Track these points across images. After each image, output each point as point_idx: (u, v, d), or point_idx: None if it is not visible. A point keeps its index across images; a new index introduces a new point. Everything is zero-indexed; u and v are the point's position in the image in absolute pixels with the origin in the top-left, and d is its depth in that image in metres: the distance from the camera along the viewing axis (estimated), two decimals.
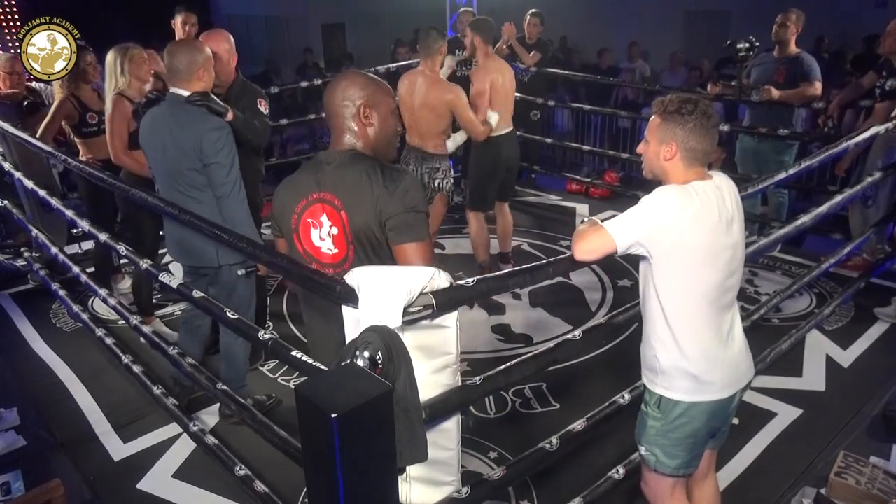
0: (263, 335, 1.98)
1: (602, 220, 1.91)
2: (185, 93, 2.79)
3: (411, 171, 3.95)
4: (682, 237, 1.79)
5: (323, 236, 1.83)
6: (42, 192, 3.55)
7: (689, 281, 1.85)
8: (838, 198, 3.02)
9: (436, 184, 4.06)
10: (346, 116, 1.84)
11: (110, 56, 3.46)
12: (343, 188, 1.79)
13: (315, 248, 1.86)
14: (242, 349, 3.10)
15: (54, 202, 3.43)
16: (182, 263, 3.02)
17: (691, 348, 1.90)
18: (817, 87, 4.49)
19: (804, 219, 2.79)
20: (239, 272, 2.90)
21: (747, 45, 4.64)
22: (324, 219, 1.82)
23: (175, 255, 3.00)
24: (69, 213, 3.22)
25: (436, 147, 4.01)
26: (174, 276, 2.48)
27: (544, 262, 1.99)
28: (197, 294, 2.28)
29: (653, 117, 1.91)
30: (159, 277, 2.44)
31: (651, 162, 1.93)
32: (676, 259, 1.83)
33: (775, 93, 4.52)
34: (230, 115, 2.87)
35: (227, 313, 2.13)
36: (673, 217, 1.79)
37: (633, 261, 1.91)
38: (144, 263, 2.56)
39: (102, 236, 2.85)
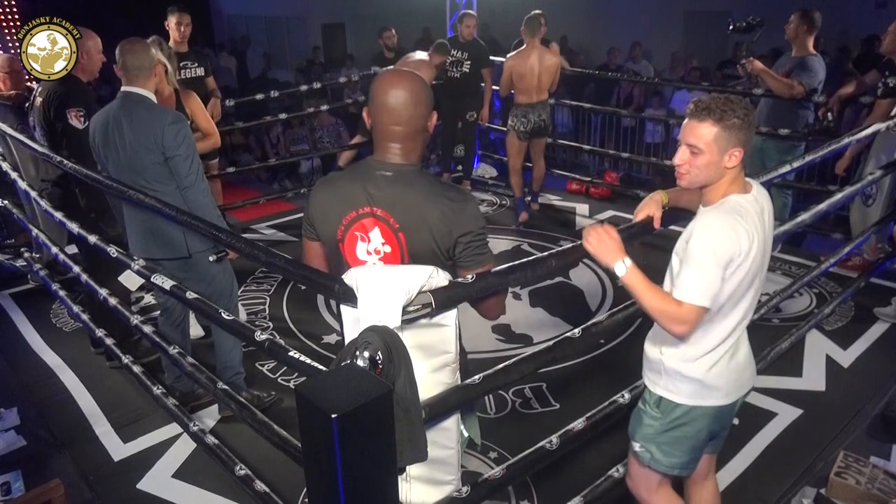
0: (260, 336, 1.98)
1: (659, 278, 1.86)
2: (141, 90, 2.86)
3: (525, 122, 5.41)
4: (744, 265, 1.78)
5: (370, 250, 1.74)
6: (33, 194, 3.55)
7: (734, 301, 1.83)
8: (838, 195, 3.02)
9: (548, 121, 5.55)
10: (413, 126, 1.72)
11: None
12: (402, 209, 1.70)
13: (360, 262, 1.76)
14: (232, 338, 3.11)
15: (44, 204, 3.43)
16: (147, 258, 2.91)
17: (704, 356, 1.88)
18: (795, 86, 4.47)
19: (804, 216, 2.79)
20: (210, 258, 2.92)
21: (755, 19, 4.66)
22: (374, 234, 1.73)
23: (139, 249, 2.97)
24: (58, 215, 3.21)
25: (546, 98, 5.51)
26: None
27: (545, 254, 1.96)
28: (191, 295, 2.28)
29: (700, 125, 1.75)
30: (152, 279, 2.44)
31: (703, 172, 1.79)
32: (732, 283, 1.79)
33: (757, 64, 4.58)
34: None
35: (223, 314, 2.13)
36: (741, 253, 1.75)
37: (634, 261, 1.89)
38: (136, 264, 2.56)
39: (92, 238, 2.85)
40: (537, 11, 5.79)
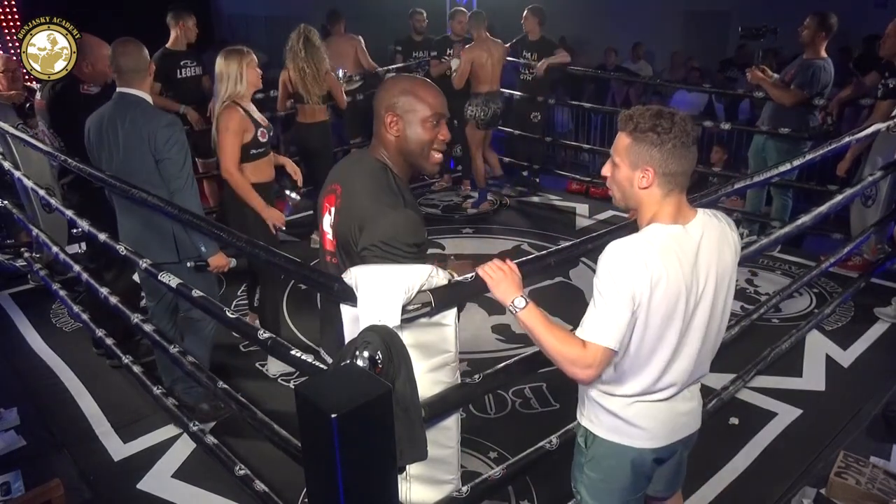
0: (263, 334, 1.98)
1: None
2: (136, 91, 2.84)
3: (486, 110, 5.59)
4: (648, 304, 1.56)
5: (331, 224, 1.86)
6: (42, 192, 3.55)
7: (650, 348, 1.61)
8: (839, 197, 3.02)
9: (498, 111, 5.75)
10: (376, 118, 1.83)
11: (228, 60, 3.24)
12: (346, 195, 1.81)
13: (324, 232, 1.91)
14: (202, 350, 3.07)
15: (54, 202, 3.43)
16: None
17: (624, 387, 1.67)
18: (796, 95, 4.50)
19: (804, 218, 2.79)
20: (188, 264, 2.91)
21: (767, 26, 4.68)
22: (333, 210, 1.85)
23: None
24: (69, 213, 3.22)
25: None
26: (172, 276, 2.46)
27: (544, 252, 1.97)
28: (196, 293, 2.28)
29: (620, 135, 1.62)
30: (159, 277, 2.44)
31: (623, 189, 1.65)
32: (638, 325, 1.58)
33: (757, 74, 4.64)
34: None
35: (227, 313, 2.13)
36: (643, 290, 1.53)
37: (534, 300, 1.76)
38: (144, 263, 2.56)
39: (102, 236, 2.85)
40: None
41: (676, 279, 1.55)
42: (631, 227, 1.95)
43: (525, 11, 6.04)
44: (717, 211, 1.72)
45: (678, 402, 1.72)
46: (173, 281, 2.37)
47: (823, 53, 4.56)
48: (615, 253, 1.56)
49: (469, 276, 1.71)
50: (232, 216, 3.42)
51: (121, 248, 2.72)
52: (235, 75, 3.22)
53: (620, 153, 1.62)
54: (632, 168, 1.60)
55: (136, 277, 3.20)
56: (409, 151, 1.83)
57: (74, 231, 4.63)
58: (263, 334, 1.99)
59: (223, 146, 3.24)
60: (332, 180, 1.90)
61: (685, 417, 1.76)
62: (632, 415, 1.69)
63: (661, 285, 1.53)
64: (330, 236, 1.87)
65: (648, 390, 1.66)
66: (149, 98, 2.92)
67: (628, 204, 1.68)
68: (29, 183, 3.70)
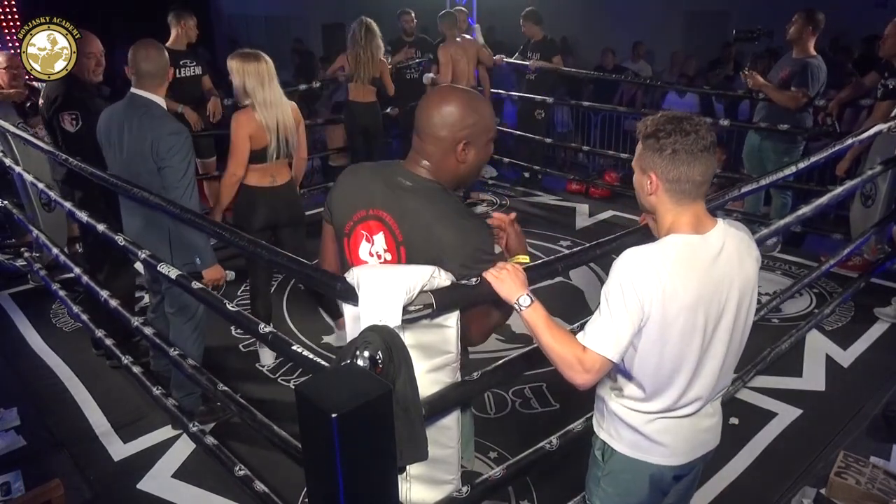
0: (263, 329, 1.98)
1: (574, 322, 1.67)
2: (150, 95, 2.81)
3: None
4: (659, 317, 1.52)
5: (373, 252, 1.73)
6: (41, 185, 3.54)
7: (673, 364, 1.58)
8: (839, 189, 3.03)
9: None
10: (438, 144, 1.67)
11: (265, 64, 3.18)
12: (410, 224, 1.65)
13: (360, 262, 1.74)
14: (194, 349, 3.04)
15: (53, 195, 3.43)
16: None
17: (648, 404, 1.65)
18: (799, 98, 4.49)
19: (805, 209, 2.79)
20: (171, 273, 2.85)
21: (761, 29, 4.69)
22: (378, 238, 1.70)
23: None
24: (67, 204, 3.20)
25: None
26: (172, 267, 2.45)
27: (552, 258, 1.98)
28: (196, 285, 2.27)
29: (638, 144, 1.61)
30: (158, 268, 2.42)
31: (638, 196, 1.65)
32: (649, 338, 1.56)
33: (758, 79, 4.62)
34: None
35: (227, 306, 2.13)
36: (651, 300, 1.50)
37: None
38: (143, 253, 2.54)
39: (101, 227, 2.83)
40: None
41: (694, 291, 1.52)
42: (639, 231, 1.96)
43: (521, 18, 6.10)
44: (734, 221, 1.69)
45: (701, 418, 1.69)
46: (172, 272, 2.36)
47: (813, 51, 4.55)
48: (628, 262, 1.53)
49: (474, 279, 1.70)
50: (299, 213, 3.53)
51: (119, 239, 2.69)
52: None
53: (635, 159, 1.62)
54: (641, 173, 1.60)
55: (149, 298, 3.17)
56: (469, 174, 1.75)
57: None
58: (264, 328, 1.99)
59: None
60: (367, 205, 1.71)
61: (706, 434, 1.73)
62: (653, 431, 1.66)
63: (677, 298, 1.50)
64: (376, 264, 1.72)
65: (672, 407, 1.64)
66: (161, 102, 2.86)
67: (646, 210, 1.67)
68: (29, 177, 3.70)
